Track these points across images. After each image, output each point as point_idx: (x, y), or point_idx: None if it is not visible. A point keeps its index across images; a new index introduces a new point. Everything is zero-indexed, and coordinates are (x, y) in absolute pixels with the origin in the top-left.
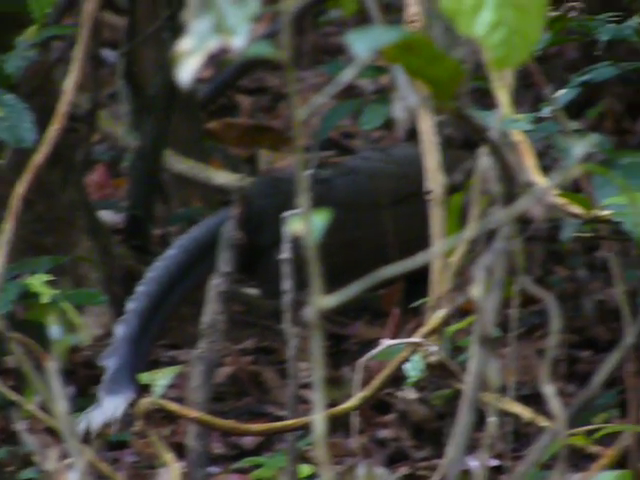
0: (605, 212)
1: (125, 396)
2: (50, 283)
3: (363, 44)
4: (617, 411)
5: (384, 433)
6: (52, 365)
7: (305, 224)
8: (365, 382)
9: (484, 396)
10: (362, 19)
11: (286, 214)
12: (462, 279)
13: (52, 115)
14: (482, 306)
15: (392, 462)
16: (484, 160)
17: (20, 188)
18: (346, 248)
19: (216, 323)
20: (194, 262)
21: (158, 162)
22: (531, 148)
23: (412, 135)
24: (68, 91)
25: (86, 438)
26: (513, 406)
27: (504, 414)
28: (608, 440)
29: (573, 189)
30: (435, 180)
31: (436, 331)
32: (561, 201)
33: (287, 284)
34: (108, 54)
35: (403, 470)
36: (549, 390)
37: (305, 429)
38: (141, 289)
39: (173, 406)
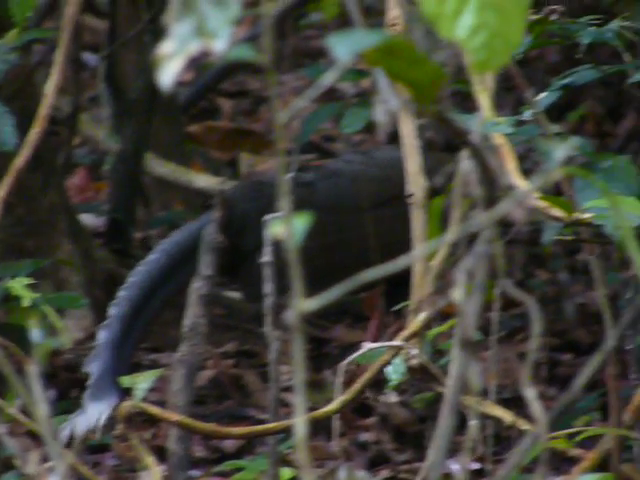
0: (586, 215)
1: (109, 402)
2: (31, 286)
3: (344, 47)
4: (598, 414)
5: (365, 436)
6: (33, 368)
7: (286, 227)
8: (346, 385)
9: (465, 399)
10: (343, 22)
11: (268, 218)
12: (443, 282)
13: (33, 118)
14: (463, 309)
15: (373, 465)
16: (465, 163)
17: (1, 191)
18: (329, 251)
19: (197, 326)
20: (176, 266)
21: (139, 165)
22: (512, 151)
23: (393, 138)
24: (49, 94)
25: (70, 444)
26: (494, 409)
27: (485, 417)
28: (589, 443)
29: (554, 192)
30: (416, 183)
31: (417, 334)
32: (542, 204)
33: (268, 287)
34: (89, 57)
35: (384, 473)
36: (530, 393)
37: (286, 432)
38: (123, 294)
39: (154, 409)
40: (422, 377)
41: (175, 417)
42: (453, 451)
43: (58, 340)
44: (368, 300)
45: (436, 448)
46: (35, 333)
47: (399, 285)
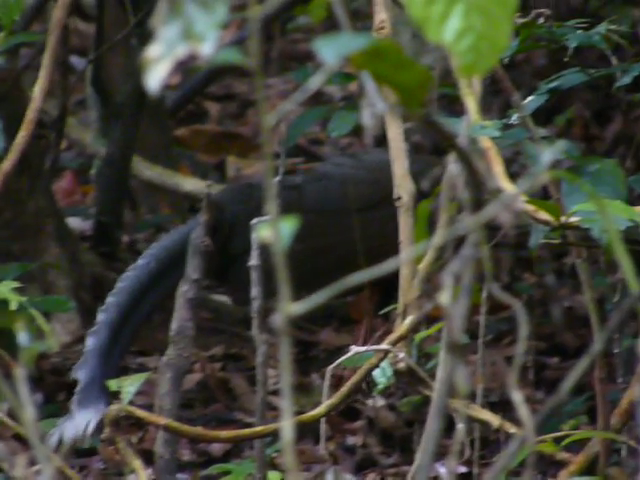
0: (573, 219)
1: (97, 409)
2: (18, 290)
3: (331, 51)
4: (586, 417)
5: (352, 440)
6: (20, 372)
7: (273, 231)
8: (333, 389)
9: (452, 403)
10: (330, 26)
11: (255, 221)
12: (430, 286)
13: (20, 122)
14: (450, 313)
15: (360, 469)
16: (452, 167)
17: None
18: (317, 254)
19: (185, 330)
20: (165, 271)
21: (126, 169)
22: (499, 155)
23: (380, 142)
24: (36, 98)
25: (57, 450)
26: (481, 413)
27: (472, 421)
28: (577, 446)
29: (541, 196)
30: (404, 187)
31: (404, 338)
32: (529, 208)
33: (256, 291)
34: (76, 61)
35: (371, 477)
36: (517, 397)
37: (274, 436)
38: (111, 300)
39: (141, 413)
40: (409, 380)
41: (162, 420)
42: (440, 454)
43: (45, 343)
44: (355, 303)
45: (423, 451)
46: (22, 336)
47: (387, 288)
